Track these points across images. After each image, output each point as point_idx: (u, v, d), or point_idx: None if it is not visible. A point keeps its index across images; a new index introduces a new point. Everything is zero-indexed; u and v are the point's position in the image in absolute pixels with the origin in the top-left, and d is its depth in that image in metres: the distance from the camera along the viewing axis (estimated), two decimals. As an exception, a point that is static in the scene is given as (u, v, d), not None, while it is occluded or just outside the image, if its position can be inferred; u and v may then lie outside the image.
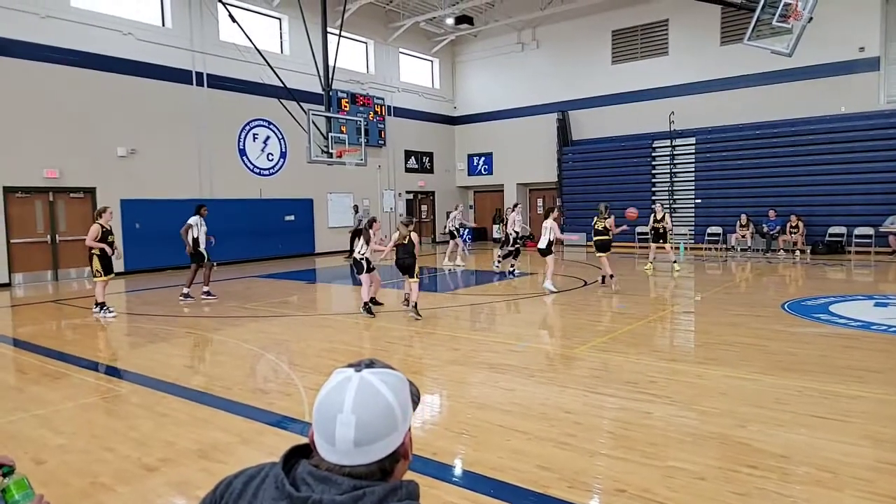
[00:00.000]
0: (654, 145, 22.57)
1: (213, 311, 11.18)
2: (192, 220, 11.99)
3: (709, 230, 20.71)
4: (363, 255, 10.31)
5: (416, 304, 9.82)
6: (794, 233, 18.31)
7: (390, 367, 1.18)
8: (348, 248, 20.14)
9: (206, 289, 12.32)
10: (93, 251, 10.45)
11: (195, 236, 11.97)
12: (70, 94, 15.95)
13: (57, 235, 16.02)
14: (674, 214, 21.75)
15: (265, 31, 20.90)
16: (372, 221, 10.79)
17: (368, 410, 1.10)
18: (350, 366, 1.17)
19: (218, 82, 19.21)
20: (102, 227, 10.44)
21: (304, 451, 1.18)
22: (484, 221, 29.22)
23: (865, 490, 3.71)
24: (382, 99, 25.04)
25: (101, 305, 10.56)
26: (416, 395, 1.22)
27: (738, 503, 3.63)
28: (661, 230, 14.62)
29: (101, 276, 10.53)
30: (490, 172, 28.10)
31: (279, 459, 1.17)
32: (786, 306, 10.08)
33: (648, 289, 13.00)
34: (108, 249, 10.46)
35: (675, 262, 14.75)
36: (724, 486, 3.81)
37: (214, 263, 12.82)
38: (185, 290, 12.19)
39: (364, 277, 10.33)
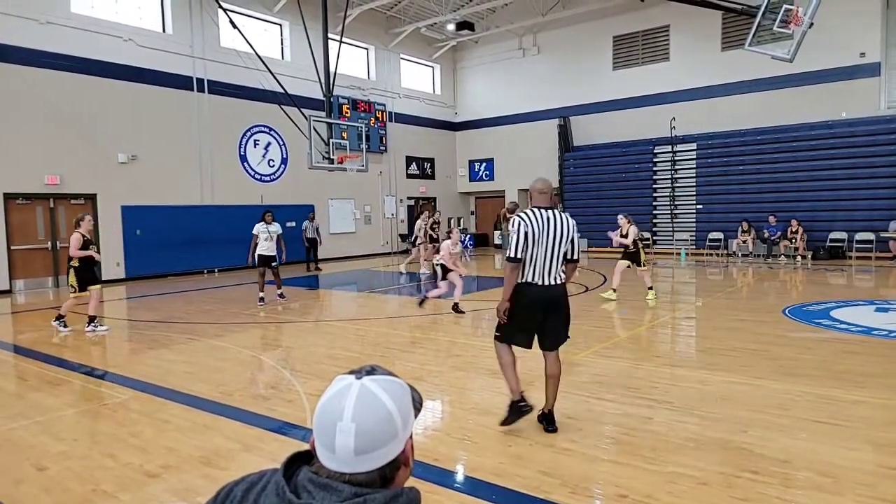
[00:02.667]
0: (655, 151, 22.60)
1: (213, 317, 11.18)
2: (256, 227, 12.32)
3: (710, 235, 20.71)
4: (439, 262, 10.89)
5: None
6: (795, 238, 18.31)
7: (391, 374, 1.18)
8: (312, 257, 19.96)
9: (261, 295, 12.40)
10: (71, 263, 9.72)
11: (257, 243, 12.25)
12: (71, 101, 15.99)
13: (58, 242, 16.02)
14: (675, 220, 21.76)
15: (266, 37, 20.97)
16: (449, 233, 11.45)
17: (368, 418, 1.09)
18: (351, 373, 1.17)
19: (219, 88, 19.26)
20: (84, 235, 9.72)
21: (305, 458, 1.18)
22: (485, 227, 29.24)
23: (866, 495, 3.71)
24: (383, 105, 25.08)
25: (60, 317, 9.98)
26: (419, 401, 1.21)
27: (739, 509, 3.63)
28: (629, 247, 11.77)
29: (75, 291, 9.75)
30: (491, 178, 28.12)
31: (280, 466, 1.17)
32: (787, 311, 10.07)
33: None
34: (96, 256, 9.89)
35: (650, 287, 11.67)
36: (726, 491, 3.80)
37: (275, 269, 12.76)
38: (279, 292, 12.62)
39: (444, 282, 10.88)
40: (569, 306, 5.01)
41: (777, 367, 6.72)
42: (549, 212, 4.78)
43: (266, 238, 12.27)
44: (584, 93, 24.55)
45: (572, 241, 4.84)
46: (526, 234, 4.70)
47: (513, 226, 4.75)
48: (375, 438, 1.10)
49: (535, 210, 4.78)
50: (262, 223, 12.33)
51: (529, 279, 4.78)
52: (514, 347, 5.07)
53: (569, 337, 5.14)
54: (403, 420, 1.14)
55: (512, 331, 4.94)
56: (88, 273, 9.86)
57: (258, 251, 12.29)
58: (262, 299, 12.33)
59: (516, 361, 5.08)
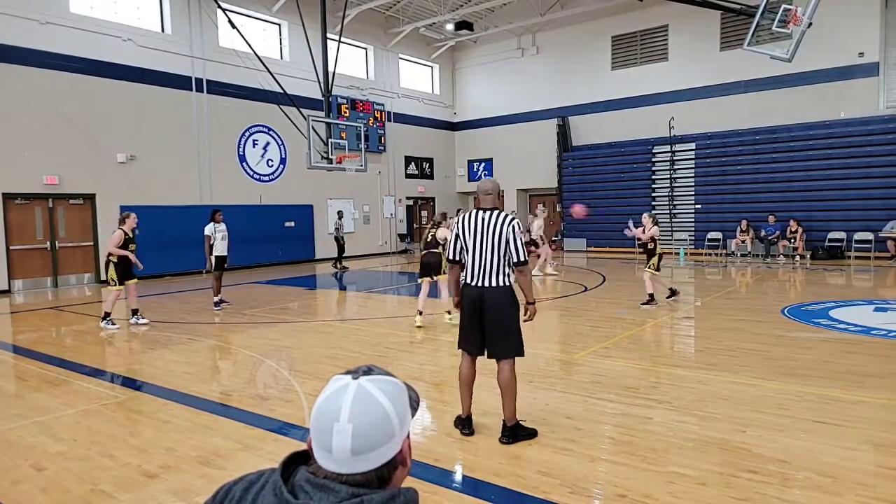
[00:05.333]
0: (654, 151, 22.59)
1: (212, 317, 11.17)
2: (207, 228, 11.95)
3: (709, 235, 20.72)
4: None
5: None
6: (794, 238, 18.31)
7: (388, 374, 1.18)
8: (337, 255, 20.07)
9: (216, 298, 12.08)
10: (110, 258, 9.96)
11: (211, 243, 11.90)
12: (69, 101, 15.98)
13: (56, 242, 16.02)
14: (674, 220, 21.77)
15: (265, 36, 20.96)
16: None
17: (365, 419, 1.09)
18: (348, 373, 1.17)
19: (218, 88, 19.25)
20: (126, 233, 9.98)
21: (303, 458, 1.18)
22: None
23: (866, 495, 3.71)
24: (382, 105, 25.07)
25: (107, 316, 9.99)
26: (416, 400, 1.21)
27: (738, 509, 3.63)
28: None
29: (115, 284, 9.93)
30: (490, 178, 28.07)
31: (278, 466, 1.17)
32: (786, 311, 10.08)
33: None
34: (131, 257, 9.98)
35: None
36: (725, 491, 3.81)
37: (205, 271, 12.22)
38: (219, 297, 12.04)
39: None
40: (511, 314, 4.75)
41: (776, 366, 6.73)
42: (486, 213, 4.77)
43: (222, 238, 11.95)
44: (583, 93, 24.54)
45: (507, 241, 4.66)
46: (456, 235, 4.85)
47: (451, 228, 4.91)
48: (373, 439, 1.09)
49: (473, 211, 4.85)
50: (213, 223, 11.94)
51: (467, 280, 4.84)
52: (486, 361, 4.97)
53: (520, 351, 4.80)
54: (400, 420, 1.14)
55: (461, 335, 4.92)
56: (127, 268, 10.11)
57: (215, 253, 11.90)
58: (219, 302, 12.06)
59: (474, 377, 4.94)
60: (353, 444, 1.08)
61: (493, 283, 4.72)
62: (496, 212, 4.79)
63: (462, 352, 4.95)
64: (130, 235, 10.09)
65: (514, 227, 4.68)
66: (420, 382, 6.44)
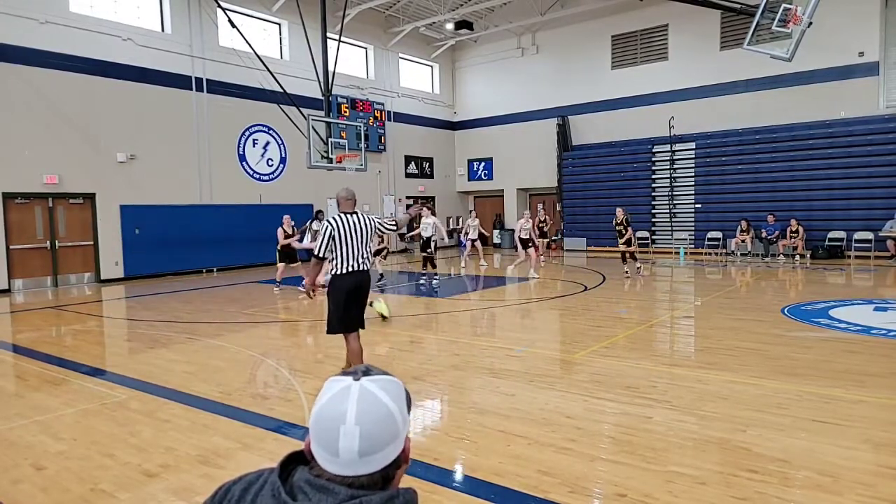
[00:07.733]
0: (654, 150, 22.58)
1: (212, 316, 11.17)
2: (315, 225, 14.15)
3: (709, 235, 20.71)
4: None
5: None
6: (794, 237, 18.31)
7: (386, 374, 1.18)
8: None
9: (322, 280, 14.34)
10: (278, 248, 14.05)
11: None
12: (69, 100, 15.97)
13: (56, 241, 16.01)
14: (674, 219, 21.78)
15: (265, 36, 20.95)
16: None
17: (371, 420, 1.09)
18: (346, 374, 1.16)
19: (218, 88, 19.23)
20: (286, 231, 13.87)
21: (301, 458, 1.18)
22: (484, 226, 29.19)
23: (866, 494, 3.71)
24: (382, 104, 25.07)
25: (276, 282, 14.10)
26: (409, 397, 1.21)
27: (738, 508, 3.63)
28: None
29: (287, 263, 14.08)
30: (490, 178, 28.11)
31: (276, 466, 1.16)
32: (786, 311, 10.08)
33: (648, 293, 12.99)
34: (289, 243, 13.88)
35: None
36: (725, 490, 3.81)
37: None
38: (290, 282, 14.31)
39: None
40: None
41: (776, 366, 6.73)
42: (354, 216, 5.88)
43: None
44: (583, 92, 24.53)
45: (374, 233, 6.01)
46: (333, 236, 5.73)
47: (321, 229, 5.81)
48: (379, 440, 1.09)
49: (341, 215, 5.86)
50: (317, 221, 14.25)
51: (346, 270, 5.77)
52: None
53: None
54: (403, 419, 1.14)
55: (338, 320, 5.84)
56: (286, 254, 14.08)
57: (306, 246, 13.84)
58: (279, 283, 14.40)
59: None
60: (360, 445, 1.08)
61: (367, 268, 5.93)
62: (360, 213, 5.99)
63: (344, 334, 5.93)
64: (290, 232, 13.90)
65: (376, 221, 6.06)
66: (421, 382, 6.44)
